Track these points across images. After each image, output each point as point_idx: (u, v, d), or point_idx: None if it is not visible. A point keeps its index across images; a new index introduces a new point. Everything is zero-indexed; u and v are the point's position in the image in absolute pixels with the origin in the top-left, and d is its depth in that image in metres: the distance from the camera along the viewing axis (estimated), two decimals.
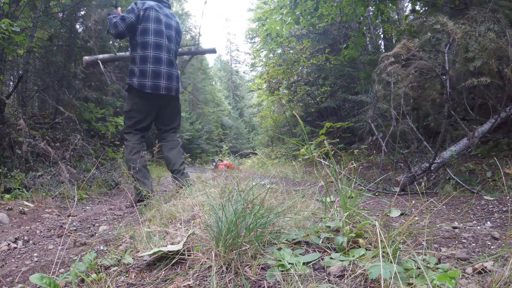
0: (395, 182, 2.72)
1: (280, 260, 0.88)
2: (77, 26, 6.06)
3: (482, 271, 0.83)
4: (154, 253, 1.02)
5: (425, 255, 0.89)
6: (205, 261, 0.94)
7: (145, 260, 1.05)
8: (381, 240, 0.77)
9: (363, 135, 5.99)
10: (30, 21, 5.22)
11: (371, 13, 7.58)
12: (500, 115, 2.84)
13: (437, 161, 2.71)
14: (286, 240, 1.05)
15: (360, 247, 0.94)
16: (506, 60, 2.40)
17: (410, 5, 7.55)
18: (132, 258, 1.09)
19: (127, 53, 3.07)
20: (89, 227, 2.19)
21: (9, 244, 1.78)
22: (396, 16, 8.69)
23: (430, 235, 1.15)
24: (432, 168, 2.71)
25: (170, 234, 1.27)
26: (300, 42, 9.79)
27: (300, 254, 0.95)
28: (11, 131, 3.38)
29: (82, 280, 0.97)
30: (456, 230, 1.33)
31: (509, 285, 0.70)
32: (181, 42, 2.91)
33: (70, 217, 2.51)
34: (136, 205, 2.52)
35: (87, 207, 3.08)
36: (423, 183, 2.58)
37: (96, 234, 1.88)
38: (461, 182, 2.59)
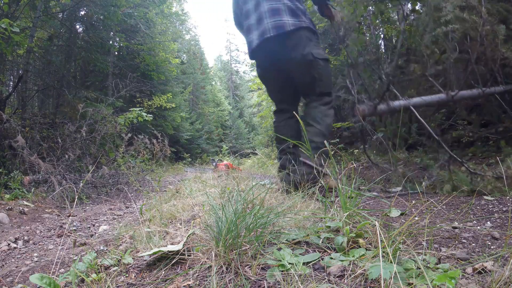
0: (357, 111, 2.55)
1: (280, 260, 0.88)
2: (77, 26, 6.06)
3: (482, 271, 0.82)
4: (154, 253, 1.02)
5: (425, 255, 0.89)
6: (205, 261, 0.94)
7: (145, 260, 1.05)
8: (381, 240, 0.77)
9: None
10: (30, 21, 5.22)
11: (371, 13, 7.56)
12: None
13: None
14: (286, 240, 1.05)
15: (360, 247, 0.94)
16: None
17: (410, 5, 7.54)
18: (132, 258, 1.09)
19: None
20: (89, 227, 2.18)
21: (9, 244, 1.78)
22: (396, 16, 8.68)
23: (430, 235, 1.15)
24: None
25: (170, 234, 1.27)
26: None
27: (300, 254, 0.95)
28: (10, 141, 3.40)
29: (82, 280, 0.97)
30: (456, 230, 1.32)
31: (509, 285, 0.70)
32: None
33: (70, 217, 2.51)
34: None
35: (87, 207, 3.08)
36: (423, 183, 2.57)
37: (96, 234, 1.88)
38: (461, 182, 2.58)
